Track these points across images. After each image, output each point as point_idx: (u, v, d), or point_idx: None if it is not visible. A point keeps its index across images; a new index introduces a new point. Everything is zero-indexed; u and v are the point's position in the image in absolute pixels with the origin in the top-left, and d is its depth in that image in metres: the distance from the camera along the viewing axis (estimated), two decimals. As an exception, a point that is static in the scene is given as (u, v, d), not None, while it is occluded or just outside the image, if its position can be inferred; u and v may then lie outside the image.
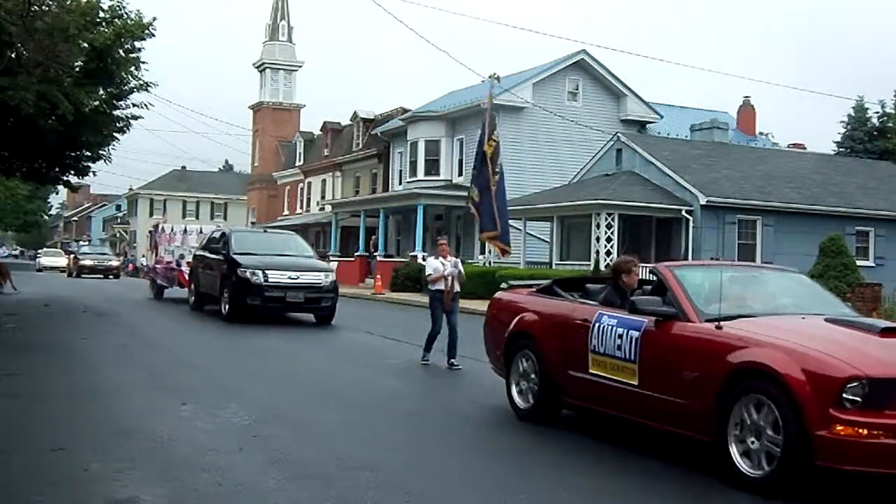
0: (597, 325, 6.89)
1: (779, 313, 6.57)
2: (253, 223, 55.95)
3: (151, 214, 76.50)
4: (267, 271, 15.92)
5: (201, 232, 24.53)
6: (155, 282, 24.40)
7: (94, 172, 24.40)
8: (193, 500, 5.07)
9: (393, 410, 8.27)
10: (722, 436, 5.68)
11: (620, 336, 6.61)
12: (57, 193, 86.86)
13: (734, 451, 5.62)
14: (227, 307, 16.42)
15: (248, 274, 15.88)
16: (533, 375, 7.57)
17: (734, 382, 5.63)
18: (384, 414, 8.04)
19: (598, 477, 5.94)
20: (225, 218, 69.55)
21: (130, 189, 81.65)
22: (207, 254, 18.49)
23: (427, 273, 11.55)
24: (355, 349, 13.53)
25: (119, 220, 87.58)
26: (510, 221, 13.54)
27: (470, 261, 32.92)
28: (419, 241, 34.50)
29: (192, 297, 19.33)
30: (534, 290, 8.26)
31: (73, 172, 23.72)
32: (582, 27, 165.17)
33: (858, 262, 22.57)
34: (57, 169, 23.16)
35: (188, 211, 76.82)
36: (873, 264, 26.53)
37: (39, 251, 71.29)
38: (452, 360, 11.05)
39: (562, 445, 6.88)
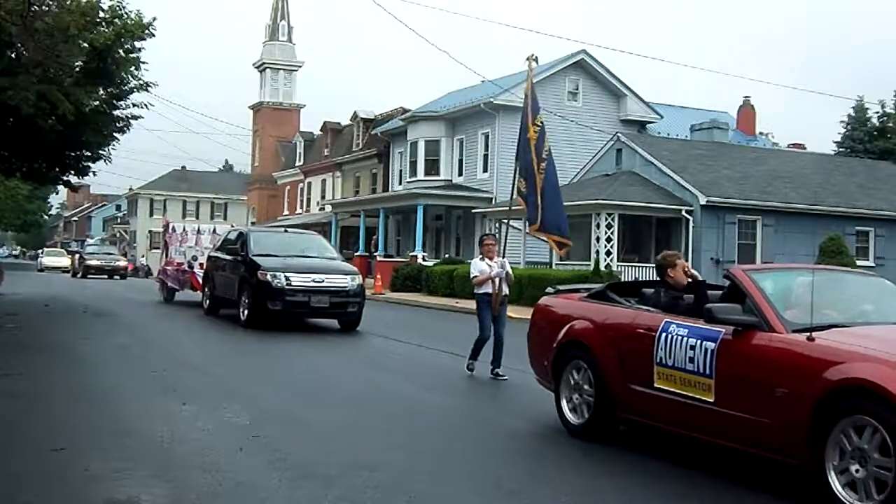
0: (664, 334, 6.29)
1: (869, 322, 6.03)
2: (253, 223, 55.92)
3: (151, 214, 76.61)
4: (289, 274, 14.91)
5: (215, 232, 23.58)
6: (165, 284, 23.08)
7: (94, 172, 24.45)
8: (193, 500, 5.06)
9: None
10: (819, 461, 5.13)
11: (693, 347, 6.01)
12: (57, 193, 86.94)
13: (835, 480, 5.05)
14: (245, 312, 15.36)
15: (268, 277, 14.83)
16: (587, 388, 7.00)
17: (833, 402, 5.08)
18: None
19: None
20: (225, 218, 69.50)
21: (130, 189, 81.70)
22: (223, 255, 17.48)
23: (472, 275, 10.68)
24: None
25: (119, 220, 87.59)
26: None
27: (469, 261, 32.94)
28: (419, 241, 34.51)
29: (207, 301, 18.32)
30: (584, 295, 7.64)
31: (73, 172, 23.72)
32: (582, 27, 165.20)
33: (858, 262, 22.59)
34: (57, 169, 23.16)
35: (188, 211, 76.85)
36: (873, 264, 26.51)
37: (40, 251, 71.17)
38: (497, 370, 10.31)
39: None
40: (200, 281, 19.57)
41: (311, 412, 8.01)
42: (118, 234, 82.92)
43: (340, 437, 6.91)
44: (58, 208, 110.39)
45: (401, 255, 37.66)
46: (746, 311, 5.89)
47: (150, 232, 74.31)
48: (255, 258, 15.56)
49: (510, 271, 10.88)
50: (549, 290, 8.40)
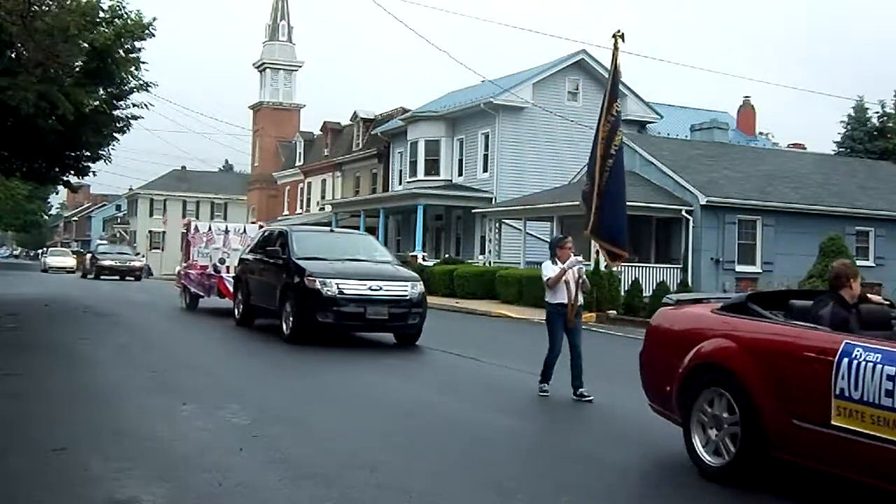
0: (845, 359, 5.13)
1: None
2: (253, 222, 55.92)
3: (151, 214, 76.68)
4: (341, 281, 12.88)
5: (244, 232, 21.54)
6: (188, 290, 20.65)
7: (94, 172, 24.40)
8: (193, 500, 5.07)
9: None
10: None
11: (892, 378, 4.88)
12: (57, 193, 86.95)
13: None
14: (289, 325, 13.26)
15: (317, 284, 12.78)
16: (728, 422, 5.84)
17: None
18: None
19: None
20: (225, 218, 69.50)
21: (130, 189, 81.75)
22: (259, 257, 15.38)
23: (545, 277, 9.41)
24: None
25: (119, 220, 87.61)
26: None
27: (469, 260, 32.95)
28: (419, 241, 34.52)
29: (239, 311, 16.16)
30: (716, 307, 6.45)
31: (73, 172, 23.69)
32: (582, 27, 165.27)
33: (858, 262, 22.52)
34: (57, 169, 23.14)
35: (188, 211, 76.85)
36: (873, 264, 26.52)
37: (41, 251, 71.11)
38: (581, 389, 9.18)
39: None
40: (229, 286, 17.68)
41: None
42: (118, 234, 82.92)
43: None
44: (58, 208, 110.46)
45: (401, 255, 37.68)
46: None
47: (150, 232, 74.37)
48: (299, 262, 13.49)
49: (585, 277, 9.58)
50: (668, 299, 7.23)
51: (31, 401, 8.00)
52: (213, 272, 19.42)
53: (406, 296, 13.23)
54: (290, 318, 13.25)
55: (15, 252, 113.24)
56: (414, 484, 5.61)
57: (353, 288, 12.86)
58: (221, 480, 5.40)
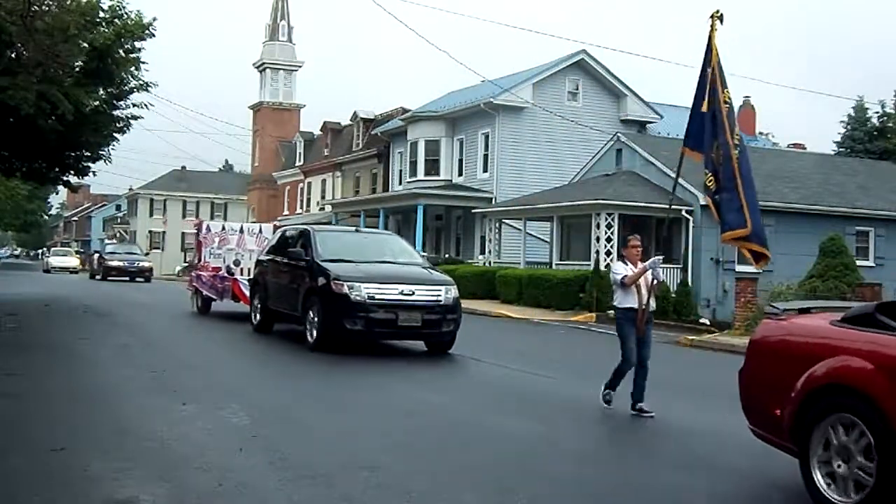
0: None
1: None
2: (254, 222, 55.90)
3: (151, 214, 76.72)
4: (370, 285, 12.00)
5: (260, 232, 20.61)
6: (199, 293, 19.58)
7: (94, 172, 24.40)
8: (193, 500, 5.07)
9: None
10: None
11: None
12: (57, 193, 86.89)
13: None
14: (315, 333, 12.34)
15: (345, 289, 11.90)
16: (860, 455, 5.00)
17: None
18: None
19: None
20: (225, 218, 69.48)
21: (130, 189, 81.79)
22: (279, 259, 14.48)
23: (615, 277, 8.64)
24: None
25: (119, 220, 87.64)
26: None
27: (469, 260, 32.95)
28: (419, 241, 34.50)
29: (257, 316, 15.20)
30: (838, 318, 5.65)
31: (73, 172, 23.70)
32: (582, 27, 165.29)
33: (858, 262, 22.58)
34: (57, 169, 23.15)
35: (188, 211, 76.94)
36: (873, 264, 26.53)
37: (41, 250, 71.03)
38: (641, 404, 8.45)
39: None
40: (244, 290, 16.78)
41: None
42: (118, 235, 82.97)
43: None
44: (58, 208, 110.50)
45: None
46: None
47: (150, 232, 74.37)
48: (324, 264, 12.61)
49: (660, 278, 8.78)
50: (773, 308, 6.33)
51: (31, 401, 8.01)
52: (226, 274, 18.59)
53: (440, 301, 12.36)
54: (315, 326, 12.34)
55: (16, 252, 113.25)
56: (414, 484, 5.61)
57: (383, 292, 11.98)
58: (221, 480, 5.40)
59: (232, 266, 19.21)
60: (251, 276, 16.71)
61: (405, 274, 12.66)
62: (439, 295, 12.39)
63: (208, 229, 21.35)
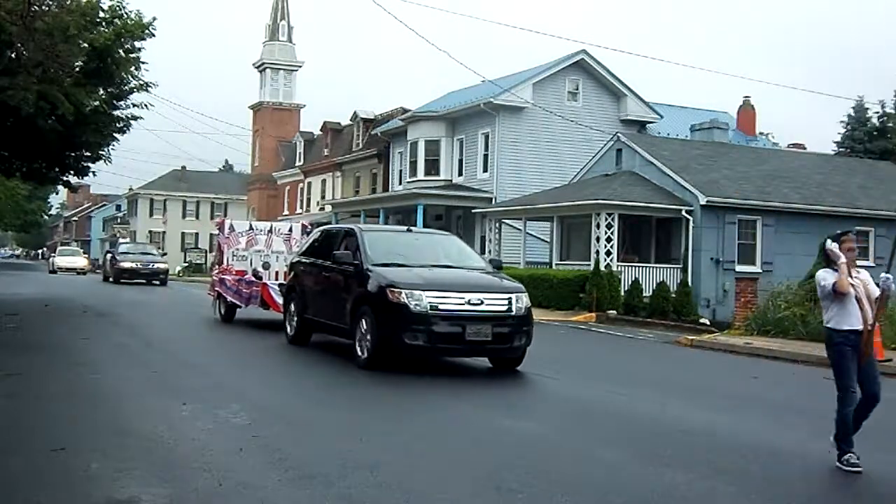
0: None
1: None
2: (256, 220, 55.90)
3: (151, 214, 76.81)
4: (433, 293, 10.40)
5: (290, 231, 19.00)
6: (223, 298, 17.57)
7: (94, 172, 24.43)
8: (193, 500, 5.07)
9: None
10: None
11: None
12: (57, 193, 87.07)
13: None
14: (367, 348, 10.69)
15: (403, 298, 10.32)
16: None
17: None
18: None
19: None
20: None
21: (130, 189, 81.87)
22: (318, 262, 12.83)
23: (824, 285, 6.82)
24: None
25: (119, 220, 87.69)
26: None
27: (470, 261, 32.92)
28: (419, 241, 34.47)
29: (292, 326, 13.36)
30: None
31: (73, 172, 23.72)
32: (582, 27, 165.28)
33: (858, 263, 22.49)
34: (57, 169, 23.18)
35: (188, 211, 77.04)
36: (873, 264, 26.46)
37: (42, 250, 70.93)
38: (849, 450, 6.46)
39: None
40: (276, 296, 15.14)
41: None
42: (118, 235, 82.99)
43: None
44: (58, 208, 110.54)
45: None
46: None
47: (150, 232, 74.41)
48: (376, 269, 11.04)
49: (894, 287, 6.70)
50: None
51: (31, 401, 8.00)
52: (253, 278, 16.81)
53: (511, 311, 10.78)
54: (368, 340, 10.67)
55: (16, 252, 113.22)
56: (414, 484, 5.61)
57: (447, 302, 10.41)
58: (221, 480, 5.39)
59: (260, 269, 17.70)
60: (283, 281, 15.32)
61: (471, 280, 11.21)
62: (510, 304, 10.84)
63: (231, 229, 19.29)
